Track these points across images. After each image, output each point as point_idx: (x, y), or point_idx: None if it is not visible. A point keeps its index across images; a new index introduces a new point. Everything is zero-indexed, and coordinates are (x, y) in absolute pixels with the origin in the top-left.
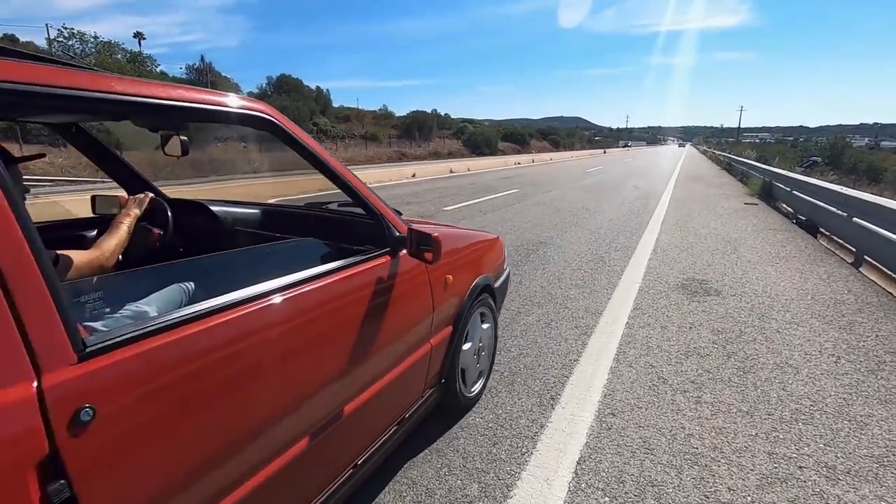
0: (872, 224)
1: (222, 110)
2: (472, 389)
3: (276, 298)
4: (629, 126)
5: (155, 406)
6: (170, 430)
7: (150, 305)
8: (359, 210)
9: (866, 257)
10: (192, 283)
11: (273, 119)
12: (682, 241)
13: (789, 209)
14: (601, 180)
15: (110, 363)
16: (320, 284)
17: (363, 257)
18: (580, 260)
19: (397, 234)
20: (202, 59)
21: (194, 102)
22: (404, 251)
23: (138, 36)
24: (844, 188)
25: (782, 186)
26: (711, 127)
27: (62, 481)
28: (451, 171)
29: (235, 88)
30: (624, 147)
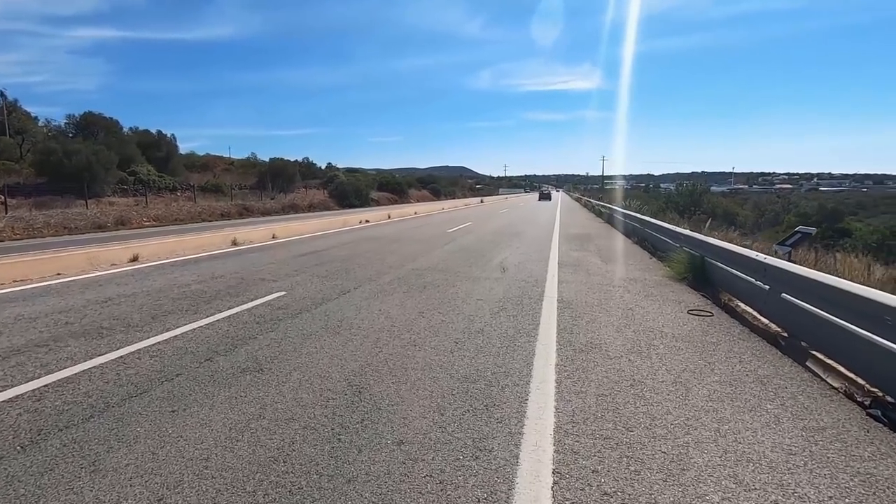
0: None
1: None
2: None
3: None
4: (507, 174)
5: None
6: None
7: None
8: None
9: None
10: None
11: None
12: None
13: (776, 327)
14: (459, 250)
15: None
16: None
17: None
18: None
19: None
20: (1, 94)
21: None
22: None
23: None
24: None
25: (749, 279)
26: (579, 175)
27: None
28: (233, 243)
29: (34, 126)
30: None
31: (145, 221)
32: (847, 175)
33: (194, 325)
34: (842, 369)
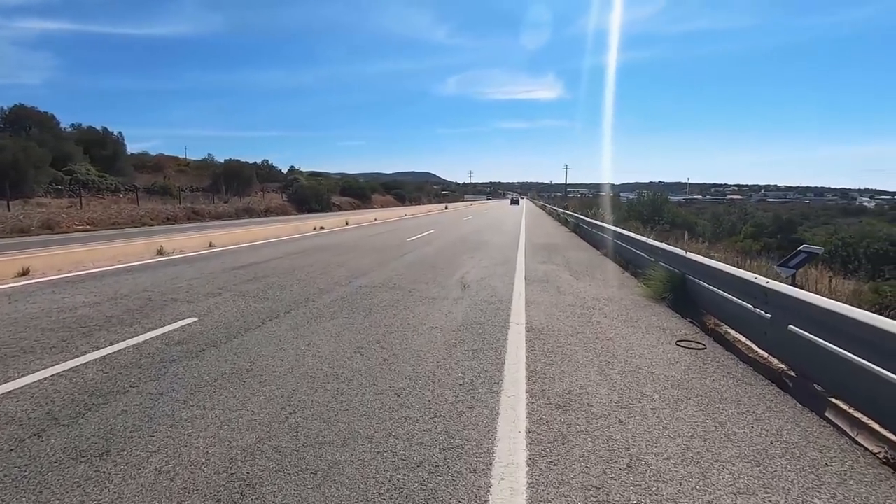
0: None
1: None
2: None
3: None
4: (473, 181)
5: None
6: None
7: None
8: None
9: None
10: None
11: None
12: None
13: (779, 363)
14: (417, 262)
15: None
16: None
17: None
18: None
19: None
20: None
21: None
22: None
23: None
24: None
25: (745, 305)
26: (542, 183)
27: None
28: (159, 252)
29: None
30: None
31: (77, 225)
32: (791, 187)
33: (49, 372)
34: (875, 426)
